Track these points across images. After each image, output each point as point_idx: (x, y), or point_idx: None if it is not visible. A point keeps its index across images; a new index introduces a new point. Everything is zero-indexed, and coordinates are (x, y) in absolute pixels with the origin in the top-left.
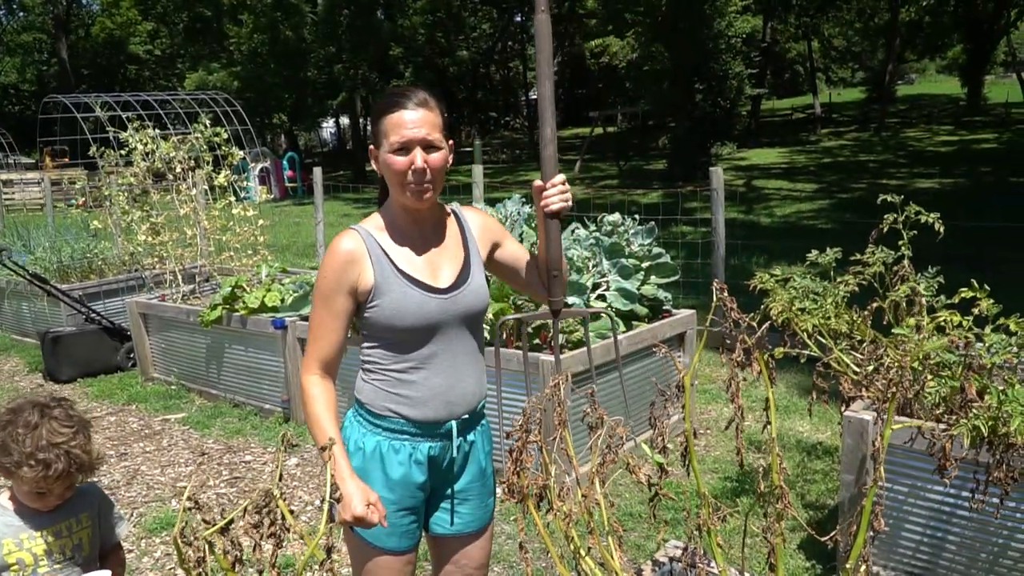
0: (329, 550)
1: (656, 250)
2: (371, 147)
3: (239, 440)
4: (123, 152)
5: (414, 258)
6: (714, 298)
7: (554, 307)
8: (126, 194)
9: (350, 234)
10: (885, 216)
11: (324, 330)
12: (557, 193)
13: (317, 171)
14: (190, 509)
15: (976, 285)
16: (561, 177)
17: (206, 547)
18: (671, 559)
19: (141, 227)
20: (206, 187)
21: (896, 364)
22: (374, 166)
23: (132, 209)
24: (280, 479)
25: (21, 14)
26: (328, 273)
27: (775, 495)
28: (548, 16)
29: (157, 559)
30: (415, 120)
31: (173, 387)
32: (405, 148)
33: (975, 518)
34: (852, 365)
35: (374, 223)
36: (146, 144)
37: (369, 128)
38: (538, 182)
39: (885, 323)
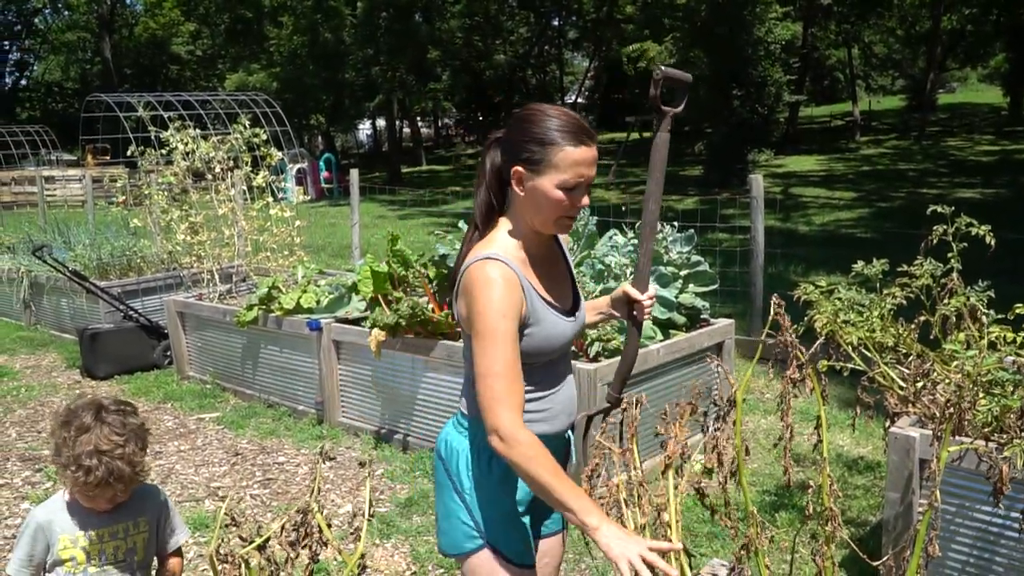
0: (363, 568)
1: (695, 258)
2: (518, 168)
3: (273, 441)
4: (164, 151)
5: (546, 283)
6: (771, 312)
7: (609, 399)
8: (166, 193)
9: (499, 264)
10: (934, 227)
11: (516, 371)
12: (651, 306)
13: (354, 173)
14: (227, 525)
15: None
16: (654, 289)
17: (243, 565)
18: None
19: (180, 226)
20: (244, 187)
21: (949, 381)
22: (516, 188)
23: (171, 208)
24: (318, 492)
25: (66, 13)
26: (504, 306)
27: (825, 517)
28: (669, 135)
29: (190, 559)
30: (591, 160)
31: (208, 386)
32: (577, 187)
33: None
34: (898, 380)
35: (508, 250)
36: (186, 144)
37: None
38: (631, 291)
39: (932, 337)
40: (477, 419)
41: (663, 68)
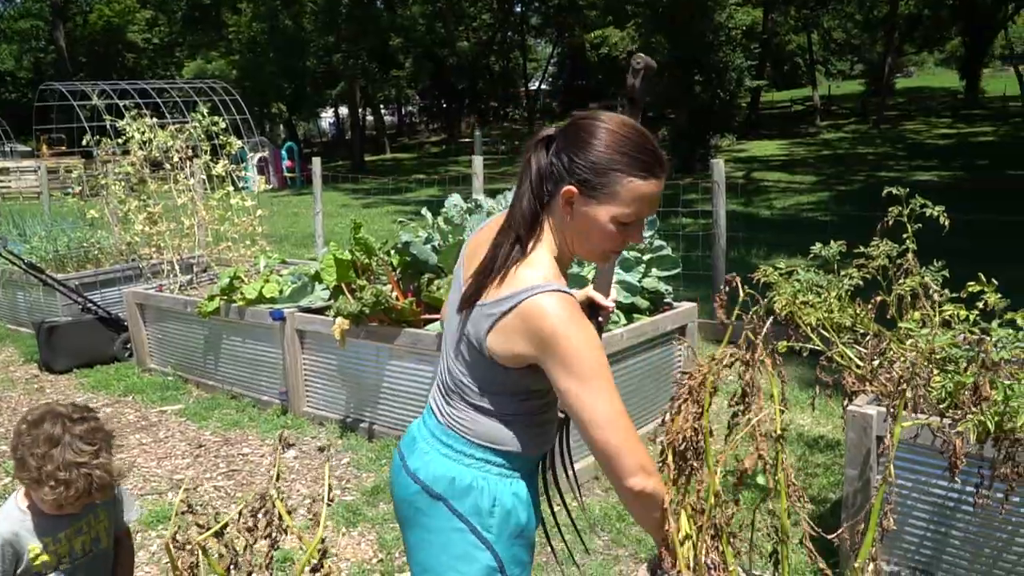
0: (324, 553)
1: (657, 242)
2: (572, 188)
3: (236, 432)
4: (120, 141)
5: None
6: (741, 294)
7: None
8: (123, 183)
9: (570, 297)
10: (890, 209)
11: (626, 413)
12: (613, 309)
13: (316, 161)
14: (184, 512)
15: (983, 279)
16: (616, 292)
17: (199, 552)
18: None
19: (138, 216)
20: (204, 176)
21: (905, 359)
22: (564, 210)
23: (129, 198)
24: (278, 479)
25: (18, 0)
26: (595, 343)
27: (778, 491)
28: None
29: (153, 553)
30: (658, 195)
31: (170, 378)
32: (634, 223)
33: (979, 514)
34: (855, 359)
35: (559, 275)
36: (143, 133)
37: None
38: (598, 296)
39: (888, 317)
40: (501, 448)
41: (643, 56)
